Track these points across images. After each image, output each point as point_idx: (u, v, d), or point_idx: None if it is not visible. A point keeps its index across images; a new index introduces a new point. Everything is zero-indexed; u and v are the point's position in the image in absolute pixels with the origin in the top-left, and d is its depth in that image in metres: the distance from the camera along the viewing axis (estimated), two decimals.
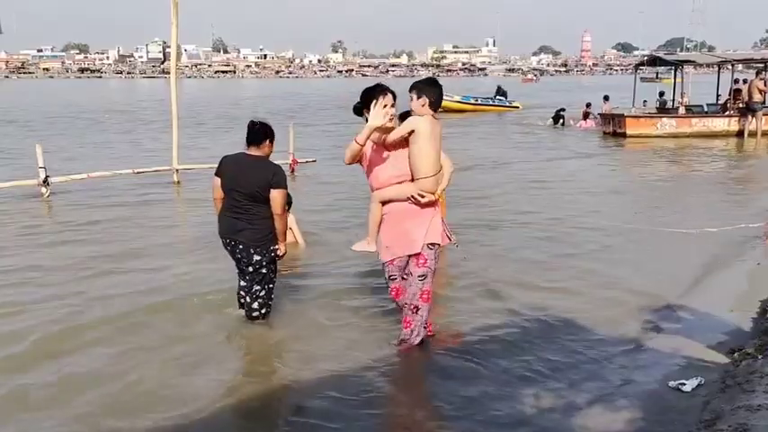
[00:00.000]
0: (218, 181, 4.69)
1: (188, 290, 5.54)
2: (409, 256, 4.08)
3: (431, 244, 4.05)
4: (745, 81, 19.22)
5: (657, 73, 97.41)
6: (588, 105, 23.33)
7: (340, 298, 5.39)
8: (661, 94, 21.99)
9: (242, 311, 4.83)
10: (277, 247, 4.66)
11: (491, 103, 30.80)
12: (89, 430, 3.41)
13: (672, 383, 3.84)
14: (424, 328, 4.24)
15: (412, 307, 4.13)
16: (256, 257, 4.61)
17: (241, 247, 4.61)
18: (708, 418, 3.28)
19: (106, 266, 6.22)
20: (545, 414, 3.56)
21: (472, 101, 30.23)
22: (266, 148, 4.65)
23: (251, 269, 4.65)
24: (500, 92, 31.84)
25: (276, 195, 4.51)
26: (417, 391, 3.97)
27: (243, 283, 4.78)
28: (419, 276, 4.07)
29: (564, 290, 5.58)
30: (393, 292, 4.23)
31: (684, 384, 3.80)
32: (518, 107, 30.58)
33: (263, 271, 4.65)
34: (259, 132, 4.63)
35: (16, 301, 5.24)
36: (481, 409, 3.58)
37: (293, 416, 3.60)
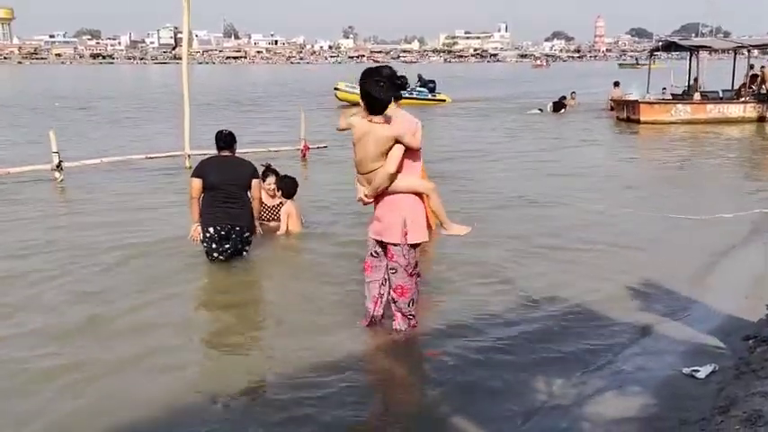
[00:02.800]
0: (198, 182, 5.70)
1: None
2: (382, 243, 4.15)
3: (394, 243, 4.06)
4: (762, 67, 18.99)
5: (637, 59, 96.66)
6: (573, 95, 23.76)
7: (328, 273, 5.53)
8: (695, 79, 21.54)
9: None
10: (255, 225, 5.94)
11: (405, 95, 27.76)
12: None
13: (686, 370, 3.82)
14: (408, 320, 4.24)
15: (391, 297, 4.23)
16: (247, 235, 5.84)
17: (238, 229, 5.71)
18: (722, 405, 3.26)
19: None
20: (557, 402, 3.54)
21: None
22: (234, 150, 5.99)
23: (242, 246, 5.83)
24: (422, 82, 25.87)
25: (256, 184, 5.86)
26: (416, 380, 3.94)
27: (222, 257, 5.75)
28: (390, 268, 4.14)
29: (575, 277, 5.54)
30: (364, 265, 4.35)
31: (698, 371, 3.78)
32: (445, 101, 25.80)
33: (250, 241, 5.93)
34: (228, 138, 5.92)
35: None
36: (492, 397, 3.56)
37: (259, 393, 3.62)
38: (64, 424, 3.32)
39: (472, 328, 4.45)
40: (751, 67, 19.89)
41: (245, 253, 5.88)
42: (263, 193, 6.49)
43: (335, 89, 25.73)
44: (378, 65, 4.09)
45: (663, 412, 3.40)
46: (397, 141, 3.90)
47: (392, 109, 4.03)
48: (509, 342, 4.23)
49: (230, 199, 5.68)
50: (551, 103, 22.78)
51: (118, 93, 34.79)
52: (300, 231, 6.78)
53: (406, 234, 4.02)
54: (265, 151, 11.02)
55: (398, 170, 3.96)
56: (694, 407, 3.40)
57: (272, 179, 6.87)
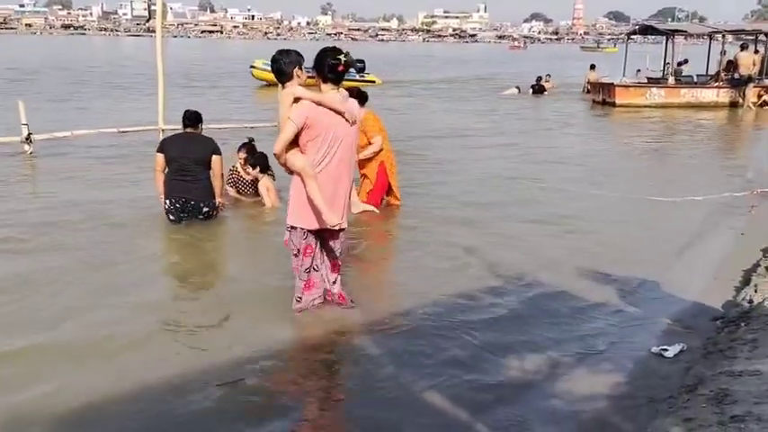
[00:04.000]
0: (161, 157, 6.13)
1: None
2: None
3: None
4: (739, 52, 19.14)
5: (598, 43, 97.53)
6: (548, 77, 23.68)
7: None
8: (680, 63, 21.62)
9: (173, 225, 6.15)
10: (217, 201, 6.23)
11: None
12: None
13: (654, 349, 3.89)
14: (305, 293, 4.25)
15: None
16: (205, 209, 6.14)
17: (193, 203, 6.09)
18: (689, 384, 3.32)
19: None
20: (528, 380, 3.58)
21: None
22: (198, 129, 6.31)
23: (201, 217, 6.15)
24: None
25: (217, 160, 6.15)
26: (382, 359, 3.94)
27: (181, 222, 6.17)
28: None
29: (544, 258, 5.57)
30: None
31: (667, 350, 3.85)
32: (375, 82, 24.09)
33: (210, 215, 6.23)
34: (193, 117, 6.27)
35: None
36: (461, 376, 3.58)
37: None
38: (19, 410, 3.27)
39: (442, 308, 4.45)
40: (723, 53, 20.11)
41: (201, 218, 6.18)
42: (239, 167, 6.97)
43: (251, 67, 24.16)
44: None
45: (632, 390, 3.45)
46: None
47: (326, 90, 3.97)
48: (479, 322, 4.25)
49: (187, 173, 6.05)
50: (530, 87, 22.76)
51: (92, 64, 34.00)
52: (277, 206, 6.82)
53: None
54: (242, 127, 10.89)
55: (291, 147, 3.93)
56: (663, 385, 3.47)
57: (242, 153, 7.05)
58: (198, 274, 5.27)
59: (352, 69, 21.24)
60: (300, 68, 4.01)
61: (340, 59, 3.87)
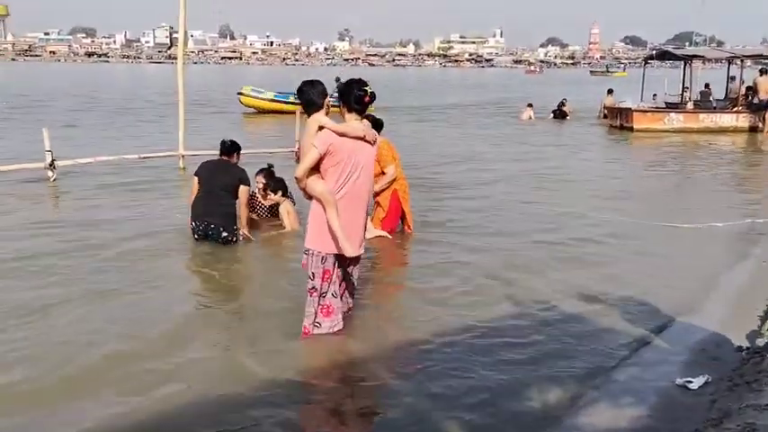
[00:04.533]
0: (195, 180, 6.42)
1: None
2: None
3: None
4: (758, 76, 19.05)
5: (608, 67, 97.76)
6: (564, 102, 23.03)
7: None
8: (706, 85, 21.55)
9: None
10: (240, 230, 6.42)
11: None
12: None
13: (679, 381, 3.82)
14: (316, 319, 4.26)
15: None
16: (224, 234, 6.31)
17: (213, 226, 6.29)
18: (715, 417, 3.26)
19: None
20: (550, 410, 3.54)
21: (291, 98, 21.38)
22: (234, 158, 6.61)
23: (221, 241, 6.31)
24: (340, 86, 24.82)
25: (243, 191, 6.40)
26: (407, 390, 3.92)
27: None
28: None
29: (564, 286, 5.52)
30: None
31: (692, 382, 3.78)
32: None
33: (229, 240, 6.36)
34: (228, 146, 6.62)
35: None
36: (484, 408, 3.54)
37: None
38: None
39: (464, 338, 4.41)
40: (732, 78, 20.04)
41: (221, 242, 6.35)
42: (257, 192, 7.16)
43: (239, 94, 22.90)
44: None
45: (656, 423, 3.39)
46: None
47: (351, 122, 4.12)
48: (497, 353, 4.21)
49: (213, 198, 6.30)
50: (551, 112, 22.71)
51: (112, 91, 34.60)
52: (297, 229, 6.89)
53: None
54: (260, 153, 11.00)
55: (312, 173, 4.04)
56: (687, 418, 3.40)
57: (260, 177, 7.17)
58: (218, 298, 5.27)
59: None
60: (326, 97, 4.16)
61: (366, 91, 4.04)
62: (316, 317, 4.24)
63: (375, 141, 4.16)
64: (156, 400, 3.53)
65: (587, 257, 6.38)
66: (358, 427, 3.47)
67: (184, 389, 3.66)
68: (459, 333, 4.47)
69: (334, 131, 3.99)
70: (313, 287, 4.18)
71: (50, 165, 9.58)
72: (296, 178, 4.06)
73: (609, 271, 5.97)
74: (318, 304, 4.22)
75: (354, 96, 4.05)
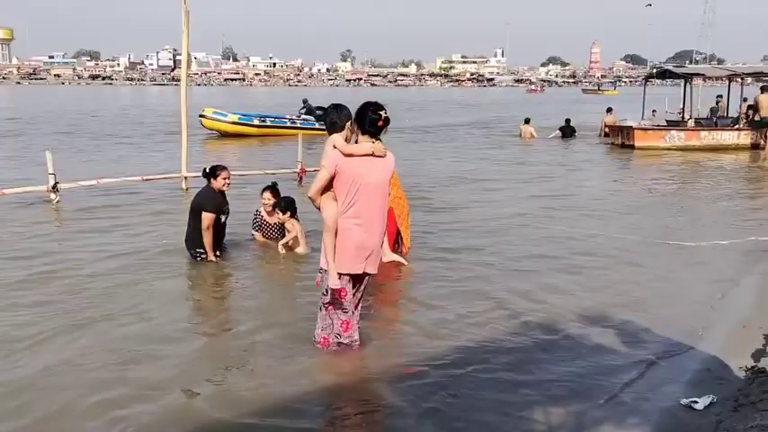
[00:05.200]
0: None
1: None
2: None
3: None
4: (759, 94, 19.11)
5: (599, 85, 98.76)
6: (568, 121, 22.65)
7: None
8: (717, 101, 21.51)
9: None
10: (200, 250, 6.57)
11: (288, 125, 21.78)
12: None
13: (684, 401, 3.79)
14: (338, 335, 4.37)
15: None
16: (192, 254, 6.65)
17: (186, 247, 6.72)
18: None
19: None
20: (554, 430, 3.51)
21: (256, 121, 21.68)
22: (212, 182, 6.63)
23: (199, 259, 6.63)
24: (307, 108, 23.12)
25: (204, 216, 6.47)
26: (408, 409, 3.91)
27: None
28: None
29: (572, 305, 5.51)
30: None
31: (697, 402, 3.75)
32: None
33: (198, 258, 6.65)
34: (205, 173, 6.76)
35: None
36: (487, 427, 3.53)
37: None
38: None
39: (467, 357, 4.41)
40: (720, 96, 20.16)
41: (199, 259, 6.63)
42: (263, 211, 7.33)
43: (201, 116, 21.40)
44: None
45: None
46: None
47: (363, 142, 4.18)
48: (500, 372, 4.20)
49: (189, 221, 6.67)
50: (558, 130, 22.51)
51: (118, 113, 34.82)
52: (306, 249, 6.95)
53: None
54: (262, 174, 11.05)
55: (323, 192, 4.14)
56: None
57: (267, 194, 7.22)
58: (226, 319, 5.28)
59: (311, 118, 19.89)
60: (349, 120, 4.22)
61: (380, 115, 4.06)
62: (333, 328, 4.34)
63: (386, 155, 4.17)
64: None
65: (588, 277, 6.36)
66: None
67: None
68: (461, 352, 4.46)
69: (340, 151, 4.06)
70: (328, 303, 4.27)
71: (53, 188, 9.62)
72: (309, 197, 4.17)
73: (611, 290, 5.94)
74: (336, 319, 4.31)
75: (369, 120, 4.07)
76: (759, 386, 3.83)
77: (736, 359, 4.40)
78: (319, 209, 4.17)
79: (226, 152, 17.79)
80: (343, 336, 4.34)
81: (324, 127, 4.49)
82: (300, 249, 6.97)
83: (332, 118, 4.22)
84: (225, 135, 21.48)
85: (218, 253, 6.67)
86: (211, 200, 6.57)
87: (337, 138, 4.13)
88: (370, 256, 4.19)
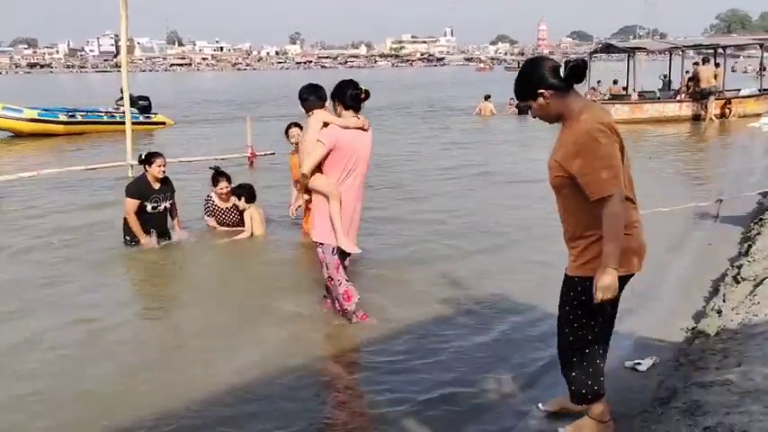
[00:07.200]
0: None
1: None
2: None
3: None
4: (695, 63, 19.66)
5: (519, 63, 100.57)
6: (511, 101, 22.38)
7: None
8: (665, 76, 22.14)
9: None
10: (127, 237, 6.60)
11: (106, 119, 18.40)
12: None
13: (628, 363, 3.91)
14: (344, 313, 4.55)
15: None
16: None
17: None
18: (663, 396, 3.35)
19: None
20: (505, 398, 3.59)
21: (62, 117, 17.93)
22: (149, 170, 6.55)
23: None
24: (132, 101, 16.23)
25: (125, 202, 6.50)
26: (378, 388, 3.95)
27: None
28: None
29: (512, 274, 5.66)
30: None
31: (640, 364, 3.88)
32: (165, 123, 19.49)
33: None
34: (143, 160, 6.65)
35: None
36: (442, 399, 3.60)
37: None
38: None
39: (425, 334, 4.47)
40: (665, 75, 20.67)
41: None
42: (214, 196, 7.11)
43: None
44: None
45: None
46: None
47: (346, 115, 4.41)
48: (460, 346, 4.26)
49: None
50: (516, 107, 22.38)
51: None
52: (263, 235, 6.94)
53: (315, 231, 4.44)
54: (212, 159, 10.86)
55: (316, 170, 4.32)
56: (637, 399, 3.49)
57: (224, 183, 7.05)
58: (188, 304, 5.30)
59: (135, 110, 15.30)
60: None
61: (361, 89, 4.38)
62: (341, 305, 4.52)
63: (367, 125, 4.42)
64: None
65: (528, 245, 6.51)
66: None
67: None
68: (419, 332, 4.50)
69: (338, 126, 4.26)
70: (329, 277, 4.45)
71: None
72: (303, 174, 4.29)
73: (552, 259, 5.98)
74: (339, 290, 4.46)
75: (350, 95, 4.34)
76: (699, 346, 3.97)
77: (678, 321, 4.55)
78: (306, 185, 4.32)
79: (22, 157, 14.17)
80: (346, 305, 4.47)
81: (150, 120, 4.65)
82: (258, 232, 6.92)
83: (306, 96, 4.60)
84: (20, 136, 17.52)
85: (158, 240, 6.59)
86: (134, 186, 6.63)
87: (327, 114, 4.40)
88: (353, 234, 4.49)
